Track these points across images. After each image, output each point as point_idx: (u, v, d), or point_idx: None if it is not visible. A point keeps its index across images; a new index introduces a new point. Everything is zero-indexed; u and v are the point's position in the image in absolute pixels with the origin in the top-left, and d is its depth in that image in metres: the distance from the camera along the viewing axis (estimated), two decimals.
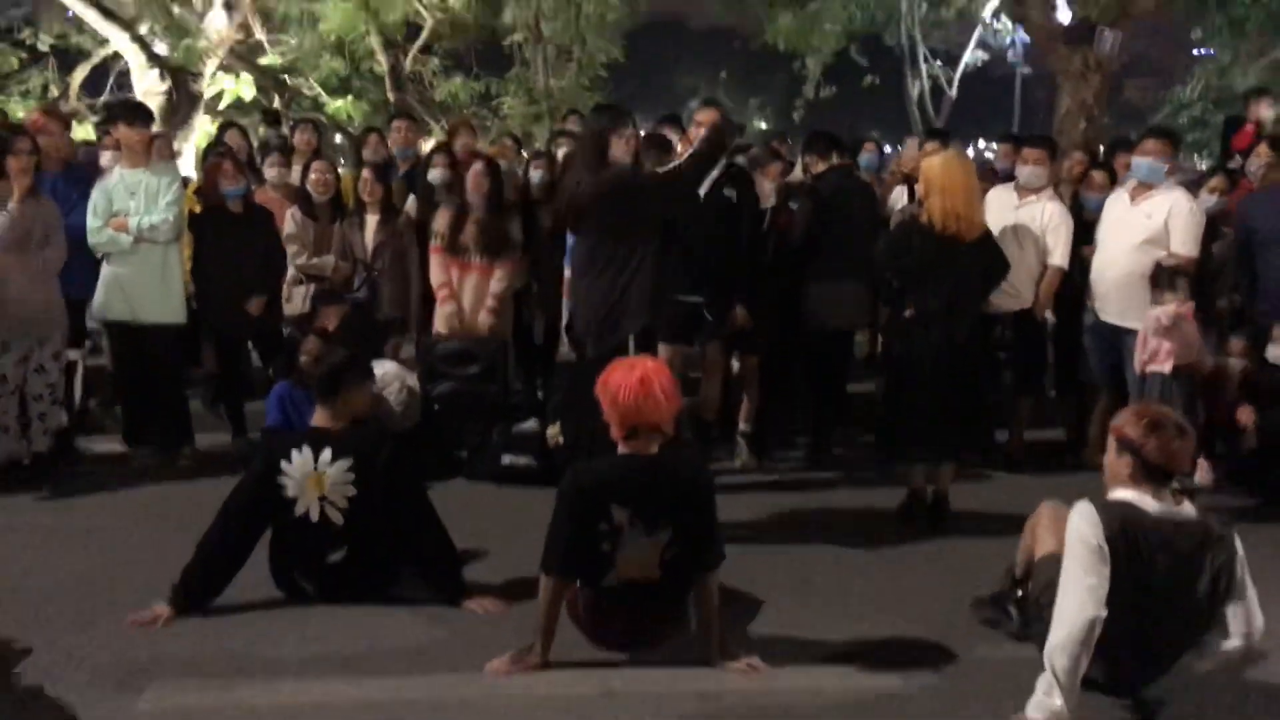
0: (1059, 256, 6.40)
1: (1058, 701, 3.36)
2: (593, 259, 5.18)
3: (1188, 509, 3.53)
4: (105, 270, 6.31)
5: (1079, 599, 3.40)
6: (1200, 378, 6.06)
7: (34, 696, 3.70)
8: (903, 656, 4.09)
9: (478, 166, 6.85)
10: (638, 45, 20.12)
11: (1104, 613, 3.38)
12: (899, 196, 7.74)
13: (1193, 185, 6.94)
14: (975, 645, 4.17)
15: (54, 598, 4.52)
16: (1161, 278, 5.93)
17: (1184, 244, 6.06)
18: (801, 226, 6.62)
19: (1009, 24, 19.46)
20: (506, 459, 6.25)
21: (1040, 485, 5.99)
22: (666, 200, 5.26)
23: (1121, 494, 3.54)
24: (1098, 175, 6.91)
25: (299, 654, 4.04)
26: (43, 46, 14.50)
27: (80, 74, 14.93)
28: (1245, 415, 6.08)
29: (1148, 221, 6.11)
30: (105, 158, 7.34)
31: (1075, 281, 6.52)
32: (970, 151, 41.07)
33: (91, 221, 6.21)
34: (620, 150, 5.13)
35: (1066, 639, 3.38)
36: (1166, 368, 5.85)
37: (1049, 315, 6.63)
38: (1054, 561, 3.68)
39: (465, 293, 6.79)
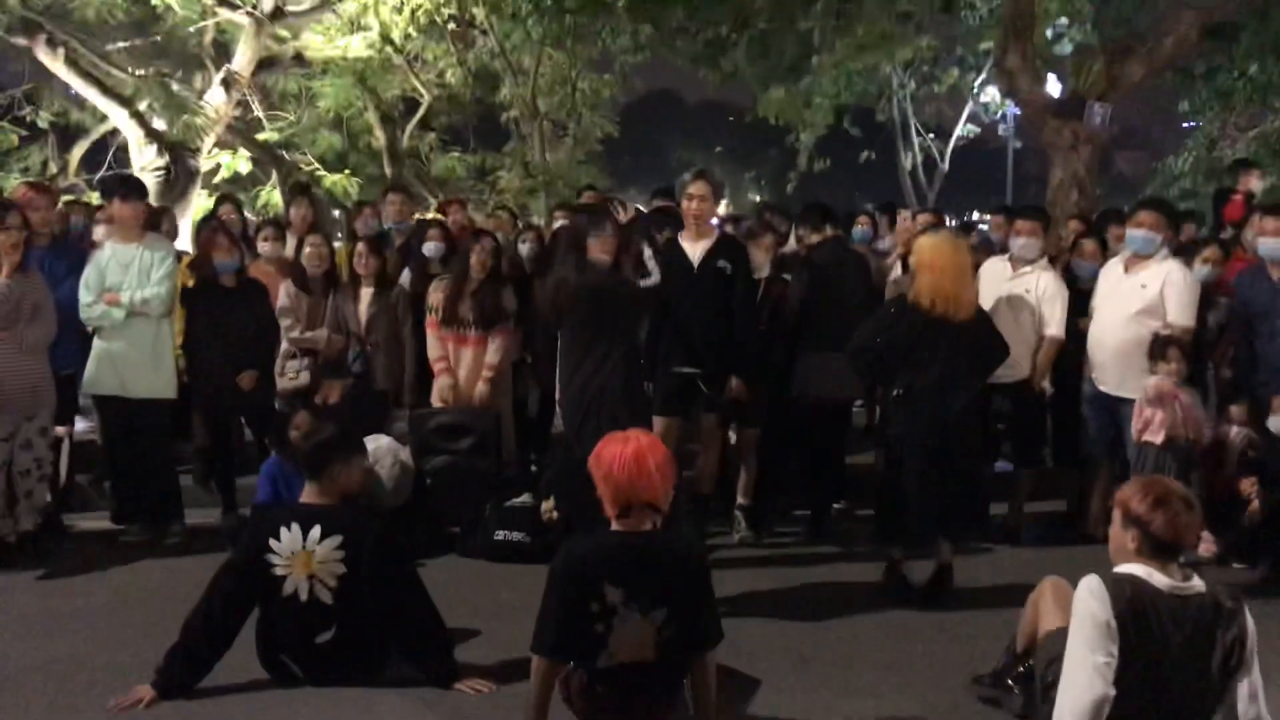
0: (1055, 327, 6.38)
1: None
2: (571, 351, 5.51)
3: (1197, 583, 3.45)
4: (96, 344, 6.28)
5: (1087, 677, 3.31)
6: (1199, 449, 6.00)
7: None
8: None
9: (485, 243, 6.88)
10: (633, 120, 20.37)
11: (1113, 691, 3.29)
12: (893, 268, 7.74)
13: (1186, 255, 6.94)
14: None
15: (36, 680, 4.41)
16: (1155, 348, 5.92)
17: (1180, 314, 6.05)
18: (796, 298, 6.61)
19: (999, 98, 19.68)
20: (499, 535, 6.16)
21: (1041, 558, 5.92)
22: (640, 313, 5.72)
23: (1128, 568, 3.47)
24: (1088, 244, 6.91)
25: None
26: (42, 123, 14.59)
27: (79, 150, 15.04)
28: (1248, 486, 6.01)
29: (1143, 291, 6.11)
30: (99, 232, 7.34)
31: (1072, 352, 6.50)
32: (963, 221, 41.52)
33: (84, 296, 6.20)
34: (597, 250, 5.40)
35: (1074, 719, 3.29)
36: (1158, 439, 5.82)
37: (1047, 386, 6.58)
38: (1059, 637, 3.59)
39: (462, 365, 6.79)
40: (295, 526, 4.26)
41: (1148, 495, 3.45)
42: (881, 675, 4.55)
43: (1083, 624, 3.37)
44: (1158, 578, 3.41)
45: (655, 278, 5.61)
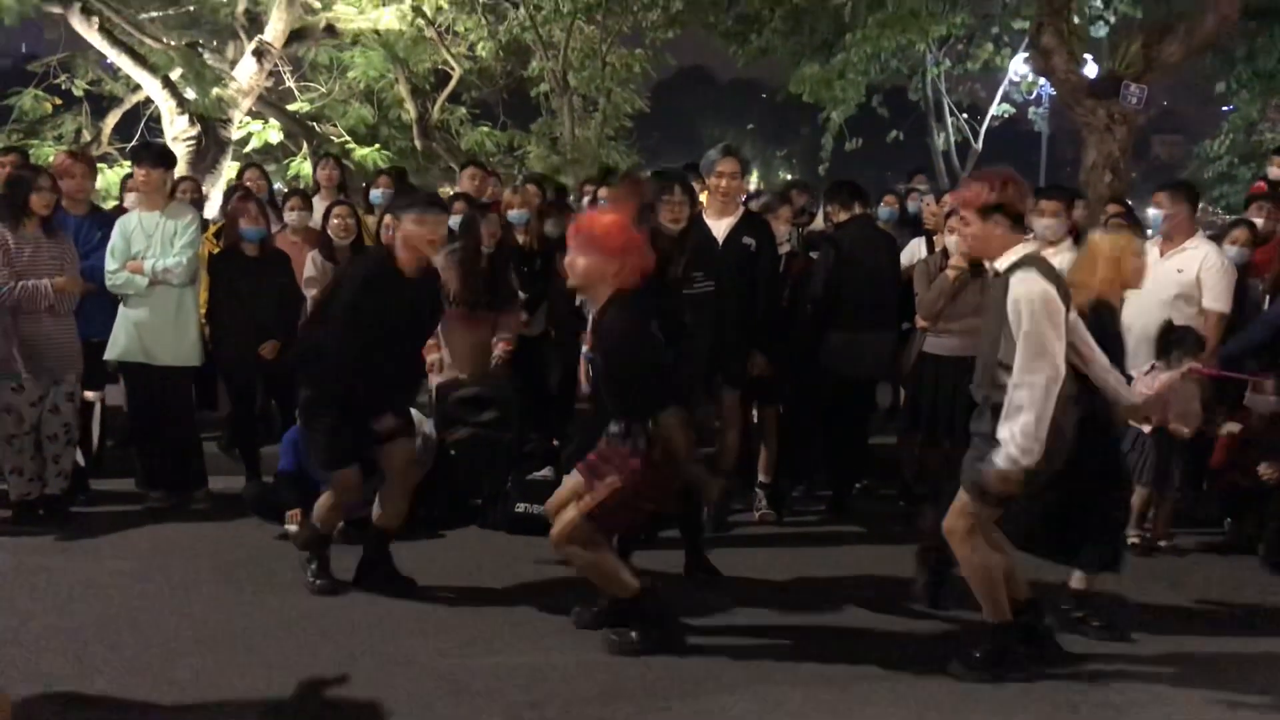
0: None
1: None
2: None
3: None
4: (122, 312, 6.31)
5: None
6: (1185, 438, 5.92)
7: None
8: (924, 714, 3.96)
9: (492, 217, 6.78)
10: (664, 96, 20.24)
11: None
12: (916, 248, 7.59)
13: (1215, 238, 6.83)
14: (1000, 705, 4.04)
15: (56, 644, 4.44)
16: (1179, 339, 5.81)
17: (1217, 299, 5.97)
18: (822, 276, 6.56)
19: (1031, 76, 19.44)
20: (520, 507, 6.16)
21: None
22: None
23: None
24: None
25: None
26: (77, 92, 14.65)
27: (113, 119, 15.08)
28: (1269, 471, 5.84)
29: (1179, 276, 6.04)
30: (129, 200, 7.37)
31: None
32: None
33: (109, 264, 6.22)
34: (667, 217, 5.03)
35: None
36: (1146, 427, 5.77)
37: None
38: None
39: (469, 344, 6.68)
40: None
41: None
42: (900, 656, 4.50)
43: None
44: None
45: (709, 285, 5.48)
